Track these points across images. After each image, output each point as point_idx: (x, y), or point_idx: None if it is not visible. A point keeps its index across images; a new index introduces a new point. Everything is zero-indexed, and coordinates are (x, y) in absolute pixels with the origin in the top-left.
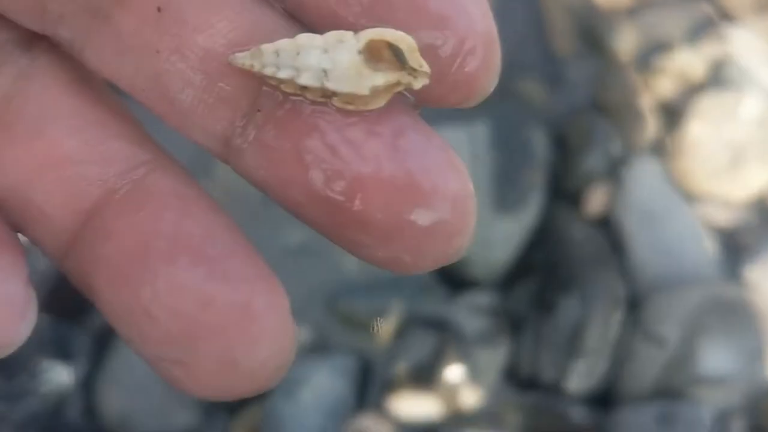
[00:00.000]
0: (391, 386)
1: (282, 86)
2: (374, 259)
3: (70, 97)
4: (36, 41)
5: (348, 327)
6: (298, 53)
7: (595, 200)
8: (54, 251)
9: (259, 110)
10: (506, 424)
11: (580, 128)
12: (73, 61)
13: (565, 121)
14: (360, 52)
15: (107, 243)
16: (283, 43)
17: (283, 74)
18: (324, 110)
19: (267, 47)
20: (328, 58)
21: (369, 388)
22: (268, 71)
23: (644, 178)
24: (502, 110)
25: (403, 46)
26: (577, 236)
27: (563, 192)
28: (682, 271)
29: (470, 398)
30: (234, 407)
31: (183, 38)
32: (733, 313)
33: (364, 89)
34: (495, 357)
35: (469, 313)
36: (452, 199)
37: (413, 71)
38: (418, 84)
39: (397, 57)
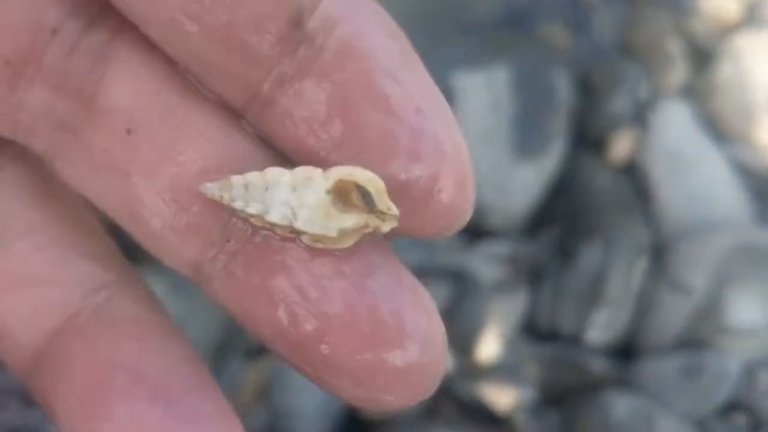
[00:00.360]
0: None
1: (251, 219)
2: (352, 399)
3: (35, 211)
4: (1, 149)
5: None
6: (266, 188)
7: (621, 146)
8: (20, 369)
9: (228, 240)
10: (524, 377)
11: (605, 72)
12: (40, 170)
13: (590, 65)
14: (328, 192)
15: (68, 371)
16: (253, 177)
17: (252, 209)
18: (293, 247)
19: (236, 179)
20: (296, 197)
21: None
22: (237, 205)
23: (673, 121)
24: (524, 54)
25: (371, 189)
26: (600, 183)
27: (587, 138)
28: (710, 218)
29: (487, 350)
30: (249, 352)
31: (152, 163)
32: (764, 260)
33: (332, 231)
34: (513, 306)
35: (486, 262)
36: (422, 340)
37: (382, 214)
38: (387, 227)
39: (365, 198)
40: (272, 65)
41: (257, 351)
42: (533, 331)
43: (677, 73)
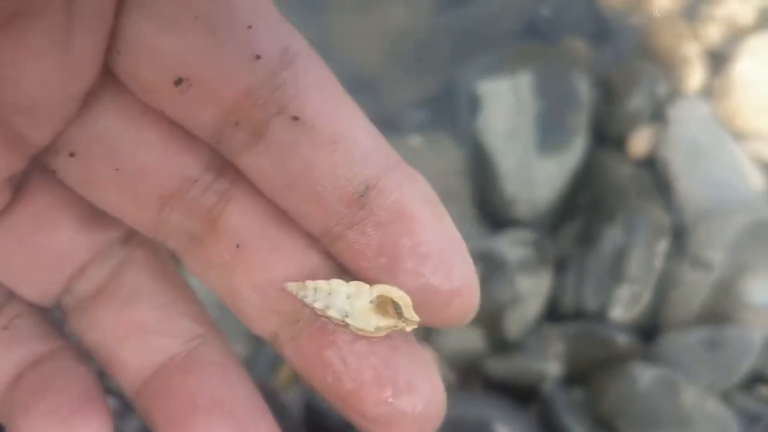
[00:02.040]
0: None
1: (316, 311)
2: None
3: (153, 282)
4: (132, 238)
5: None
6: (329, 293)
7: (640, 142)
8: (129, 391)
9: (297, 321)
10: (550, 352)
11: (625, 73)
12: (160, 254)
13: (610, 70)
14: (372, 302)
15: (166, 396)
16: (321, 284)
17: (318, 305)
18: (342, 331)
19: (310, 284)
20: (349, 303)
21: None
22: (308, 301)
23: (691, 115)
24: (546, 62)
25: (401, 303)
26: (622, 174)
27: (607, 136)
28: (728, 203)
29: (513, 327)
30: None
31: (251, 268)
32: None
33: (371, 327)
34: (539, 285)
35: (513, 244)
36: (426, 399)
37: (406, 321)
38: (409, 328)
39: (397, 308)
40: (343, 216)
41: None
42: (557, 313)
43: (695, 74)
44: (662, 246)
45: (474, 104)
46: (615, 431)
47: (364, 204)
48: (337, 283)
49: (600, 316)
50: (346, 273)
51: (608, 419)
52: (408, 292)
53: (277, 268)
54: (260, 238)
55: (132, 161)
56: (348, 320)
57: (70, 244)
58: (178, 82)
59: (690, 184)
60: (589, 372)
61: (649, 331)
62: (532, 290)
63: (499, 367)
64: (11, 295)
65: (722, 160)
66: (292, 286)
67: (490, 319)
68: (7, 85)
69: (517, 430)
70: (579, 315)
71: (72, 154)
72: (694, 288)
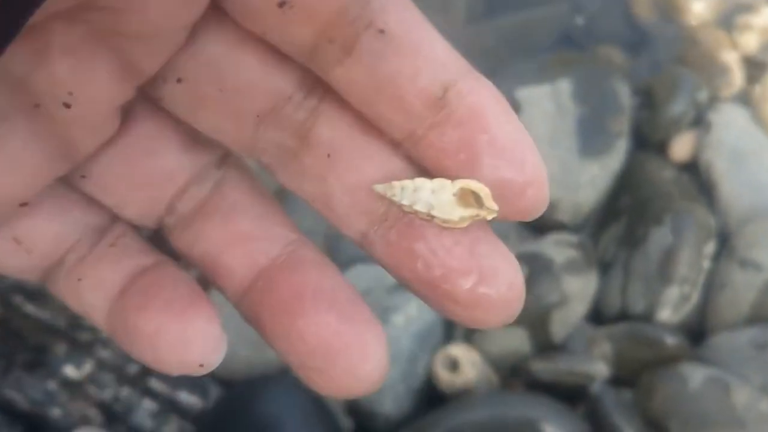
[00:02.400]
0: None
1: (404, 208)
2: (462, 319)
3: (249, 197)
4: (225, 160)
5: None
6: (415, 190)
7: (682, 146)
8: (234, 297)
9: (386, 219)
10: (597, 353)
11: (665, 80)
12: (251, 173)
13: (649, 78)
14: (454, 194)
15: (272, 292)
16: (407, 183)
17: (405, 202)
18: (429, 225)
19: (396, 184)
20: (435, 197)
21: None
22: (396, 199)
23: (732, 120)
24: (585, 69)
25: (481, 194)
26: (664, 177)
27: (648, 141)
28: None
29: (559, 329)
30: None
31: (342, 174)
32: None
33: (455, 217)
34: (585, 286)
35: (558, 246)
36: (508, 282)
37: (487, 210)
38: (490, 217)
39: (476, 199)
40: (425, 118)
41: None
42: (602, 313)
43: (734, 81)
44: (710, 247)
45: (515, 109)
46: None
47: (444, 105)
48: (421, 181)
49: (647, 317)
50: (428, 173)
51: (658, 420)
52: (486, 184)
53: (365, 171)
54: (349, 146)
55: (234, 82)
56: (434, 212)
57: (173, 167)
58: (282, 4)
59: (733, 187)
60: (637, 373)
61: (697, 333)
62: (579, 291)
63: (544, 368)
64: (116, 218)
65: (764, 163)
66: (380, 187)
67: (535, 320)
68: (132, 17)
69: (564, 429)
70: (624, 316)
71: (179, 80)
72: (743, 289)
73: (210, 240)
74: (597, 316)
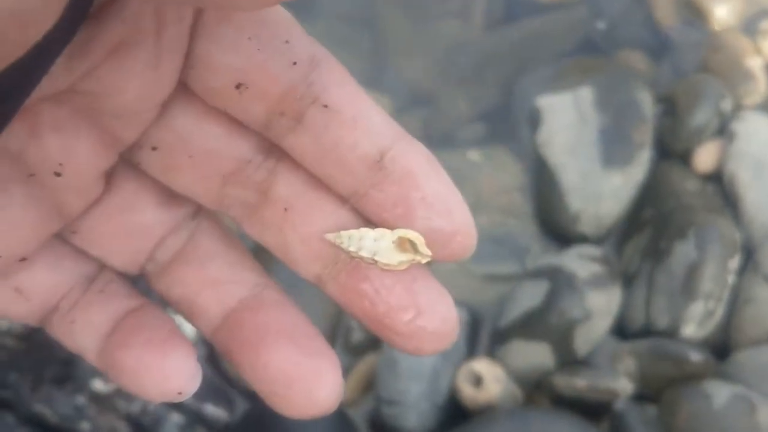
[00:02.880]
0: (502, 336)
1: (351, 253)
2: (402, 348)
3: (220, 245)
4: (198, 213)
5: (458, 284)
6: (360, 239)
7: (706, 156)
8: (208, 334)
9: (336, 263)
10: (621, 369)
11: (688, 88)
12: (220, 222)
13: (672, 85)
14: (393, 242)
15: (240, 330)
16: (353, 232)
17: (351, 249)
18: (373, 268)
19: (344, 233)
20: (377, 244)
21: (480, 338)
22: (344, 246)
23: (756, 130)
24: (606, 76)
25: (417, 242)
26: (688, 188)
27: (672, 151)
28: None
29: (582, 344)
30: (355, 352)
31: (297, 225)
32: None
33: (395, 261)
34: (609, 301)
35: (581, 259)
36: (442, 317)
37: (421, 255)
38: (424, 261)
39: (413, 246)
40: (366, 178)
41: (358, 346)
42: (625, 327)
43: (758, 88)
44: (734, 261)
45: (533, 118)
46: None
47: (381, 167)
48: (365, 230)
49: (671, 333)
50: (371, 224)
51: None
52: (420, 233)
53: (317, 223)
54: (303, 202)
55: (201, 149)
56: (376, 258)
57: (151, 221)
58: (238, 86)
59: (758, 198)
60: (661, 390)
61: (721, 349)
62: (603, 307)
63: (568, 383)
64: (104, 267)
65: None
66: (330, 236)
67: (559, 335)
68: (110, 100)
69: None
70: (648, 331)
71: (154, 148)
72: None
73: (186, 284)
74: (621, 330)
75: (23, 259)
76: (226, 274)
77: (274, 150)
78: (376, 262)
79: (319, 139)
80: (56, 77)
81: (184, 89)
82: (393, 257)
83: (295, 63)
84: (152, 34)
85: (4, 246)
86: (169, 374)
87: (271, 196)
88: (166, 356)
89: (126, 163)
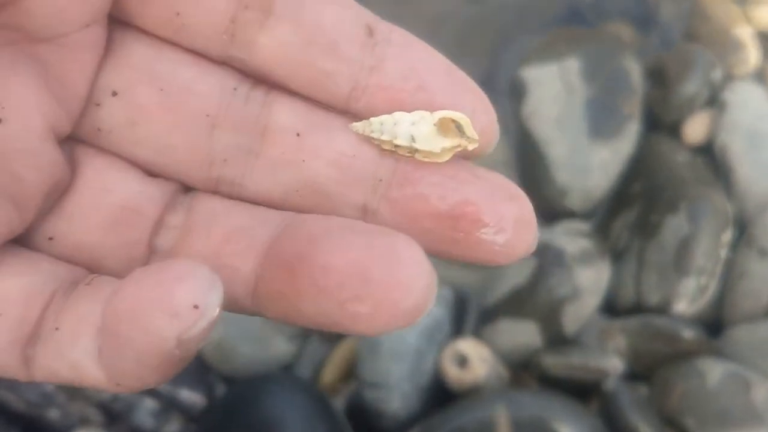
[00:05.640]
0: (488, 315)
1: (383, 145)
2: (494, 247)
3: (227, 204)
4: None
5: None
6: (394, 123)
7: (696, 128)
8: (246, 294)
9: (380, 180)
10: (611, 347)
11: (678, 58)
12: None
13: (661, 55)
14: (434, 125)
15: (281, 260)
16: (386, 117)
17: (385, 137)
18: (422, 167)
19: (374, 119)
20: (415, 128)
21: (465, 317)
22: (375, 135)
23: (748, 100)
24: (592, 46)
25: (462, 123)
26: (678, 160)
27: (661, 122)
28: None
29: (571, 322)
30: (333, 336)
31: (321, 148)
32: None
33: (437, 148)
34: (598, 278)
35: (569, 235)
36: (509, 198)
37: (468, 139)
38: (471, 146)
39: (458, 129)
40: (361, 60)
41: (336, 334)
42: (615, 304)
43: (750, 58)
44: (727, 235)
45: (518, 91)
46: (683, 429)
47: (374, 44)
48: (400, 114)
49: (662, 309)
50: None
51: (676, 417)
52: (440, 105)
53: (339, 138)
54: (313, 121)
55: (172, 81)
56: (416, 145)
57: (138, 200)
58: None
59: (751, 170)
60: (653, 368)
61: (715, 325)
62: (591, 283)
63: (557, 363)
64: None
65: None
66: (357, 125)
67: (547, 313)
68: (32, 5)
69: (579, 428)
70: (639, 308)
71: (114, 93)
72: (763, 279)
73: (201, 254)
74: (610, 307)
75: None
76: (245, 221)
77: (260, 83)
78: (416, 151)
79: (297, 23)
80: None
81: (123, 27)
82: (436, 143)
83: None
84: None
85: None
86: (178, 284)
87: (274, 129)
88: (173, 278)
89: (88, 144)
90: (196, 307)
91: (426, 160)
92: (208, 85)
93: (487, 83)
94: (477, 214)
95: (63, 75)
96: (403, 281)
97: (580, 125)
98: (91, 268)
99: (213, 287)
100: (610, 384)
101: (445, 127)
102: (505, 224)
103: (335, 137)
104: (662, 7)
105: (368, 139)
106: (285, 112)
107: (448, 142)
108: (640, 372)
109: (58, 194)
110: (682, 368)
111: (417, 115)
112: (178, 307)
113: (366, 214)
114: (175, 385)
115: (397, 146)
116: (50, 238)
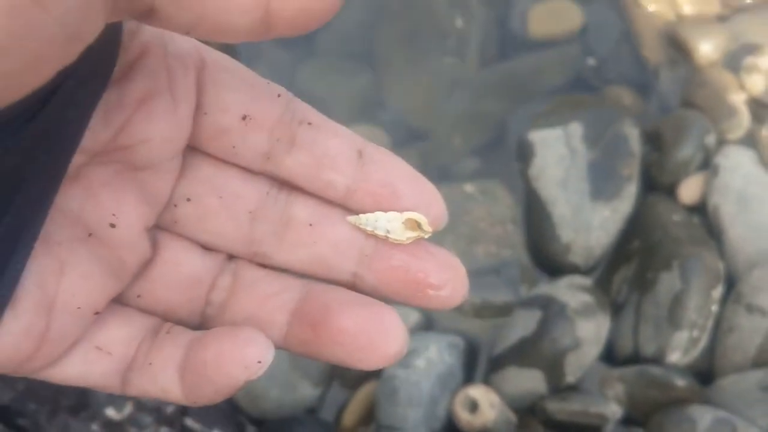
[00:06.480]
0: (497, 363)
1: (367, 231)
2: (438, 299)
3: (261, 271)
4: (233, 257)
5: (454, 313)
6: (376, 220)
7: (691, 189)
8: (279, 339)
9: (366, 254)
10: (610, 394)
11: (674, 123)
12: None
13: (658, 120)
14: (402, 223)
15: (308, 317)
16: (369, 215)
17: (368, 228)
18: (395, 247)
19: (363, 216)
20: (390, 224)
21: (476, 365)
22: (362, 226)
23: (739, 164)
24: (595, 111)
25: (420, 221)
26: (674, 220)
27: (658, 185)
28: None
29: (573, 370)
30: (353, 385)
31: (328, 234)
32: None
33: (404, 238)
34: (598, 329)
35: (572, 289)
36: (449, 267)
37: (425, 231)
38: (426, 236)
39: (419, 224)
40: (352, 173)
41: (356, 380)
42: (614, 354)
43: (742, 123)
44: (718, 291)
45: (526, 153)
46: None
47: (363, 163)
48: (380, 213)
49: (658, 359)
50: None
51: None
52: (405, 207)
53: (339, 227)
54: (322, 215)
55: (228, 190)
56: (389, 235)
57: (201, 269)
58: (244, 118)
59: (740, 230)
60: (649, 414)
61: (706, 374)
62: (592, 335)
63: (560, 408)
64: (167, 320)
65: None
66: (351, 219)
67: (551, 362)
68: (141, 150)
69: None
70: (636, 358)
71: (189, 199)
72: (750, 333)
73: (246, 310)
74: (610, 356)
75: (97, 313)
76: (276, 288)
77: (282, 187)
78: (387, 238)
79: (312, 151)
80: (97, 132)
81: (194, 152)
82: (404, 234)
83: (279, 95)
84: (166, 86)
85: (82, 298)
86: (244, 347)
87: (295, 219)
88: (244, 341)
89: (165, 230)
90: (260, 362)
91: (396, 242)
92: (250, 191)
93: (497, 144)
94: (428, 279)
95: (154, 189)
96: (390, 338)
97: (582, 186)
98: (165, 317)
99: (269, 348)
100: (609, 429)
101: (410, 223)
102: (446, 284)
103: (336, 226)
104: (661, 74)
105: (358, 228)
106: (301, 209)
107: (412, 233)
108: (636, 417)
109: (144, 266)
110: (675, 414)
111: (391, 214)
112: (249, 362)
113: (356, 278)
114: (208, 426)
115: (376, 235)
116: (138, 296)
